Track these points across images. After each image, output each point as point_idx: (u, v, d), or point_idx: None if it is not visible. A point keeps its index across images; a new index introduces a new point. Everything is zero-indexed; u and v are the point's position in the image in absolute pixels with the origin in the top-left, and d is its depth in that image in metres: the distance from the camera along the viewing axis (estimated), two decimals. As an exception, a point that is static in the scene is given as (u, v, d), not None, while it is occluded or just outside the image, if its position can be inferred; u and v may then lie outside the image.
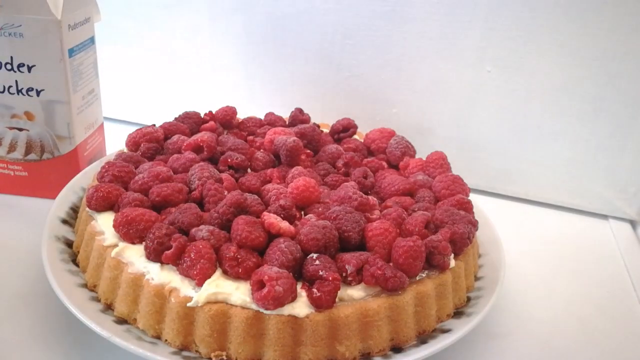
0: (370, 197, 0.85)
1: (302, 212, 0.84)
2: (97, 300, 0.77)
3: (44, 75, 0.96)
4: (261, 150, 1.00)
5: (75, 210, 0.94)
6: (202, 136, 0.95)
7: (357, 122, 1.11)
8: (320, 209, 0.83)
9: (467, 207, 0.86)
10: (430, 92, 1.19)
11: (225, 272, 0.71)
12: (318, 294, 0.68)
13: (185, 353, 0.70)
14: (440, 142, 1.19)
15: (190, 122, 1.07)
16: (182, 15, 1.28)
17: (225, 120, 1.09)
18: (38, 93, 0.98)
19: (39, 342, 0.76)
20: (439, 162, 0.98)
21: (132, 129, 1.02)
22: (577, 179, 1.17)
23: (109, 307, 0.76)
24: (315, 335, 0.68)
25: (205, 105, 1.15)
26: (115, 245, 0.77)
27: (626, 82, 1.06)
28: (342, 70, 1.23)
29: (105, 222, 0.81)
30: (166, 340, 0.71)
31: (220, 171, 0.90)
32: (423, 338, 0.75)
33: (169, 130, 1.02)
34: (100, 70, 1.41)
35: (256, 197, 0.83)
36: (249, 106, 1.20)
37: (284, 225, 0.75)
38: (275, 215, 0.77)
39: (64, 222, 0.91)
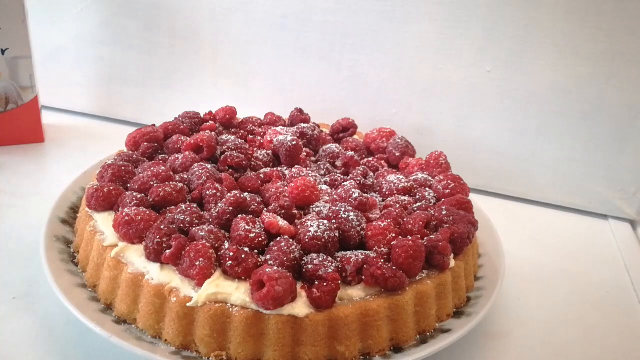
0: (370, 197, 0.85)
1: (302, 212, 0.84)
2: (97, 300, 0.78)
3: (8, 36, 1.14)
4: (261, 150, 1.00)
5: (75, 210, 0.94)
6: (202, 136, 0.95)
7: (357, 122, 1.11)
8: (320, 209, 0.83)
9: (467, 207, 0.86)
10: (430, 92, 1.19)
11: (225, 272, 0.71)
12: (318, 294, 0.68)
13: (185, 353, 0.70)
14: (440, 142, 1.19)
15: (190, 122, 1.07)
16: (183, 15, 1.28)
17: (225, 120, 1.09)
18: (3, 52, 1.14)
19: (39, 342, 0.76)
20: (439, 162, 0.98)
21: (132, 129, 1.02)
22: (577, 179, 1.17)
23: (108, 307, 0.76)
24: (315, 335, 0.68)
25: (205, 105, 1.15)
26: (115, 245, 0.77)
27: (626, 82, 1.06)
28: (342, 70, 1.23)
29: (105, 222, 0.81)
30: (166, 340, 0.72)
31: (220, 171, 0.90)
32: (423, 338, 0.75)
33: (169, 130, 1.02)
34: (100, 71, 1.42)
35: (256, 197, 0.83)
36: (249, 106, 1.20)
37: (284, 225, 0.76)
38: (275, 215, 0.77)
39: (64, 222, 0.91)
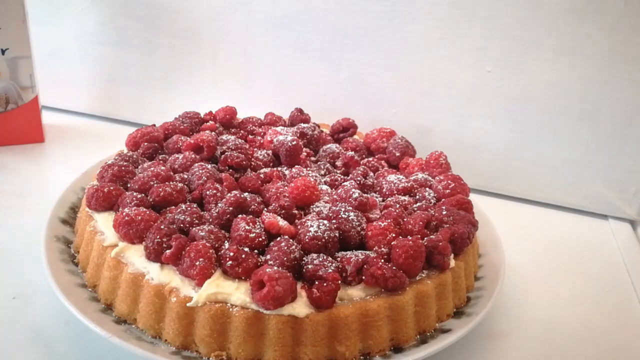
0: (370, 197, 0.85)
1: (302, 212, 0.84)
2: (97, 300, 0.78)
3: (8, 36, 1.14)
4: (261, 150, 1.00)
5: (75, 210, 0.94)
6: (202, 136, 0.95)
7: (357, 122, 1.11)
8: (320, 209, 0.83)
9: (467, 207, 0.86)
10: (430, 92, 1.19)
11: (225, 272, 0.71)
12: (318, 294, 0.68)
13: (185, 353, 0.70)
14: (440, 142, 1.19)
15: (190, 122, 1.07)
16: (183, 15, 1.28)
17: (225, 120, 1.09)
18: (3, 52, 1.14)
19: (39, 342, 0.76)
20: (439, 162, 0.98)
21: (132, 129, 1.02)
22: (577, 179, 1.17)
23: (109, 307, 0.76)
24: (315, 335, 0.68)
25: (205, 105, 1.15)
26: (115, 245, 0.77)
27: (626, 82, 1.06)
28: (342, 70, 1.23)
29: (105, 222, 0.81)
30: (166, 340, 0.72)
31: (220, 171, 0.90)
32: (423, 338, 0.75)
33: (169, 130, 1.02)
34: (100, 71, 1.42)
35: (256, 197, 0.83)
36: (249, 106, 1.20)
37: (284, 225, 0.76)
38: (275, 215, 0.77)
39: (64, 222, 0.91)
